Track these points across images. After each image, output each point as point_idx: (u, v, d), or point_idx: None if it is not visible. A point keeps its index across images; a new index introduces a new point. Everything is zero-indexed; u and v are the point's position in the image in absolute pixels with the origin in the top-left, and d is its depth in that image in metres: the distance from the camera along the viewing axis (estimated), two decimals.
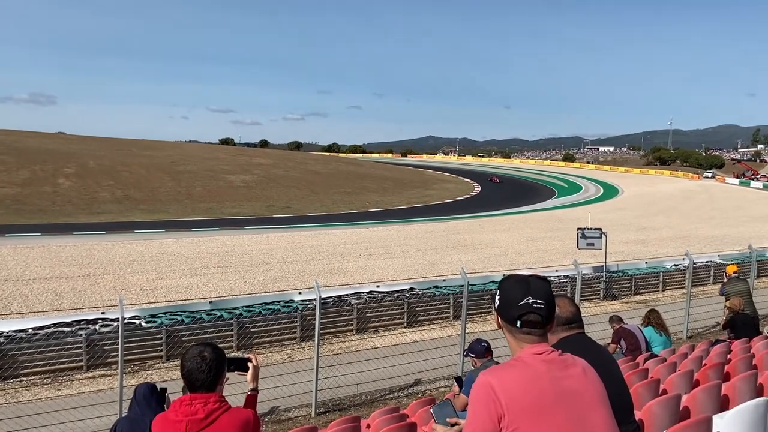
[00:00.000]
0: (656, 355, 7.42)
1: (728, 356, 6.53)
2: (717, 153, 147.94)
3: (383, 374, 10.16)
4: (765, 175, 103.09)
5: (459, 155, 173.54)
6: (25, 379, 11.31)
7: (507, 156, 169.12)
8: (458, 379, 5.59)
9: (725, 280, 11.02)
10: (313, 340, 9.80)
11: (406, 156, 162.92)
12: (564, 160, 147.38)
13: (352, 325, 14.81)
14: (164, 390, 4.06)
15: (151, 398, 3.93)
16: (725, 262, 18.27)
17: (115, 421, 4.09)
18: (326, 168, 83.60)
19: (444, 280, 18.47)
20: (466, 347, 6.01)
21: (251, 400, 3.05)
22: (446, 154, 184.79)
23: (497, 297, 2.08)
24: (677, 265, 21.55)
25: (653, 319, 8.75)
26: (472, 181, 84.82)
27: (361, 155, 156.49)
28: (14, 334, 12.69)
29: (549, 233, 35.32)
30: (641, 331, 8.23)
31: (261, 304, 15.54)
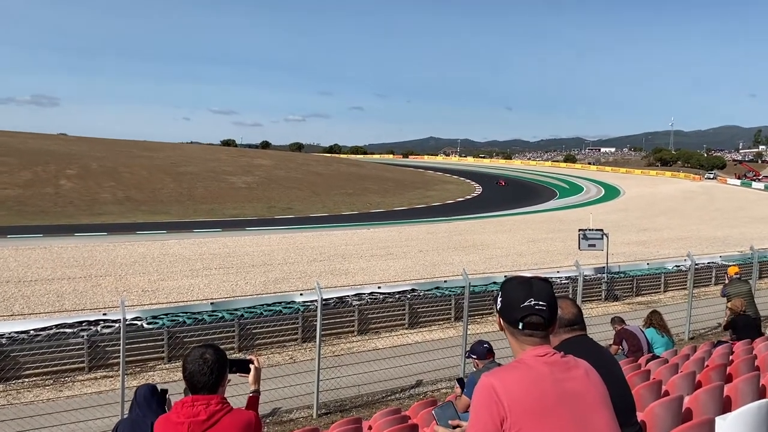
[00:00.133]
0: (658, 357, 7.40)
1: (730, 357, 6.51)
2: (718, 154, 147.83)
3: (385, 375, 10.15)
4: (766, 176, 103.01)
5: (460, 156, 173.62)
6: (27, 380, 11.32)
7: (508, 157, 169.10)
8: (460, 381, 5.58)
9: (727, 282, 10.99)
10: (315, 342, 9.80)
11: (408, 157, 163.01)
12: (565, 161, 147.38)
13: (353, 326, 14.80)
14: (165, 391, 4.06)
15: (152, 400, 3.93)
16: (727, 263, 18.23)
17: (117, 422, 4.09)
18: (327, 169, 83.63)
19: (445, 281, 18.45)
20: (468, 349, 6.00)
21: (253, 401, 3.05)
22: (447, 155, 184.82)
23: (499, 299, 2.08)
24: (679, 266, 21.53)
25: (655, 320, 8.73)
26: (473, 182, 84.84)
27: (362, 156, 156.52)
28: (16, 335, 12.71)
29: (550, 234, 35.30)
30: (643, 332, 8.22)
31: (262, 305, 15.53)
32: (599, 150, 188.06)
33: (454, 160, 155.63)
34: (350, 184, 71.70)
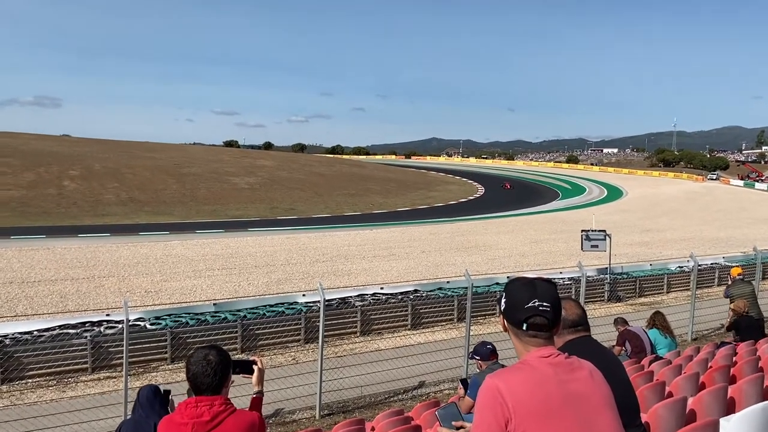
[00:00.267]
0: (661, 358, 7.39)
1: (734, 359, 6.49)
2: (721, 155, 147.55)
3: (387, 376, 10.15)
4: None
5: (462, 157, 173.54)
6: (30, 380, 11.35)
7: (510, 158, 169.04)
8: (463, 381, 5.56)
9: (730, 283, 10.98)
10: (317, 342, 9.81)
11: (410, 158, 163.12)
12: (568, 161, 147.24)
13: (356, 327, 14.80)
14: (168, 392, 4.07)
15: (155, 400, 3.94)
16: (730, 264, 18.19)
17: (120, 423, 4.10)
18: (330, 170, 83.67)
19: (448, 282, 18.43)
20: (471, 350, 6.00)
21: (256, 402, 3.05)
22: (450, 155, 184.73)
23: (503, 300, 2.08)
24: (682, 267, 21.48)
25: (658, 321, 8.71)
26: (475, 183, 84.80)
27: (364, 157, 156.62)
28: (19, 336, 12.72)
29: (553, 235, 35.26)
30: (646, 333, 8.20)
31: (265, 306, 15.53)
32: (602, 151, 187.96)
33: (456, 161, 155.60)
34: (353, 184, 71.74)
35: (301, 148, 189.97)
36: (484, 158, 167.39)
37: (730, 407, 4.17)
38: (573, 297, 11.52)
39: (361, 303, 15.92)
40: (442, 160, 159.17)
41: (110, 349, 12.04)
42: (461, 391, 5.50)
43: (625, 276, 19.87)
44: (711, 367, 5.85)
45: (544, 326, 2.00)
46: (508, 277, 15.50)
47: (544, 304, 2.00)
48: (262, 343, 13.51)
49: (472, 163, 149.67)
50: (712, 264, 21.63)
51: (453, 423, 2.47)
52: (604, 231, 19.41)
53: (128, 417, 4.73)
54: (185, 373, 2.79)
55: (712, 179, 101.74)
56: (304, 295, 16.34)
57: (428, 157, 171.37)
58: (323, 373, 9.33)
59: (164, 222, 41.02)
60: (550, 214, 50.14)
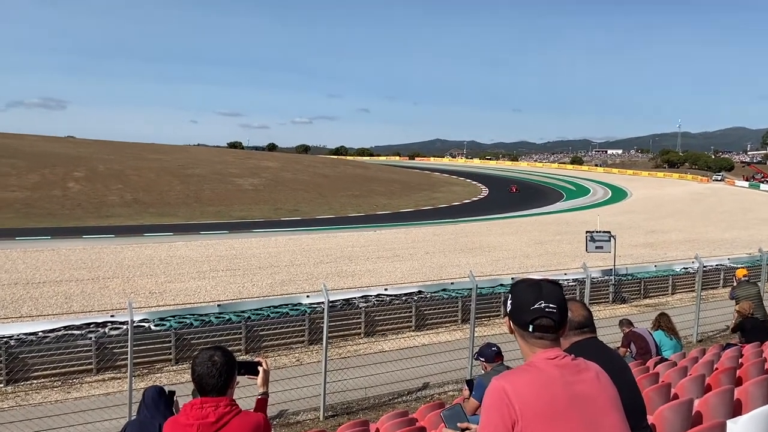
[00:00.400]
0: (666, 359, 7.36)
1: (740, 360, 6.47)
2: (726, 155, 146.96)
3: (392, 378, 10.14)
4: None
5: (466, 158, 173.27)
6: (35, 381, 11.38)
7: (515, 159, 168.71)
8: (469, 383, 5.54)
9: (735, 284, 10.93)
10: (321, 344, 9.80)
11: (414, 159, 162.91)
12: (572, 162, 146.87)
13: (360, 328, 14.80)
14: (172, 393, 4.07)
15: (160, 401, 3.94)
16: (735, 266, 18.12)
17: (125, 424, 4.10)
18: (334, 171, 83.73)
19: (452, 283, 18.42)
20: (476, 351, 5.98)
21: (262, 403, 3.05)
22: (454, 157, 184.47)
23: (509, 301, 2.08)
24: (687, 268, 21.43)
25: (663, 322, 8.68)
26: (479, 184, 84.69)
27: (368, 158, 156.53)
28: (25, 337, 12.79)
29: (557, 236, 35.20)
30: (651, 334, 8.18)
31: (269, 307, 15.56)
32: (606, 152, 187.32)
33: (460, 162, 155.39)
34: (356, 186, 71.76)
35: (305, 149, 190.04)
36: (488, 159, 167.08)
37: (736, 409, 4.16)
38: (577, 298, 11.49)
39: (365, 304, 15.94)
40: (445, 161, 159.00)
41: (115, 350, 12.07)
42: (466, 393, 5.48)
43: (629, 277, 19.83)
44: (717, 368, 5.83)
45: (551, 328, 1.99)
46: (512, 278, 15.49)
47: (551, 305, 1.99)
48: (267, 345, 13.52)
49: (475, 164, 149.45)
50: (717, 265, 21.57)
51: (458, 424, 2.46)
52: (609, 232, 19.38)
53: (133, 418, 4.73)
54: (190, 374, 2.79)
55: (717, 180, 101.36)
56: (308, 296, 16.36)
57: (432, 159, 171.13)
58: (327, 374, 9.33)
59: (168, 223, 41.10)
60: (555, 215, 50.05)
